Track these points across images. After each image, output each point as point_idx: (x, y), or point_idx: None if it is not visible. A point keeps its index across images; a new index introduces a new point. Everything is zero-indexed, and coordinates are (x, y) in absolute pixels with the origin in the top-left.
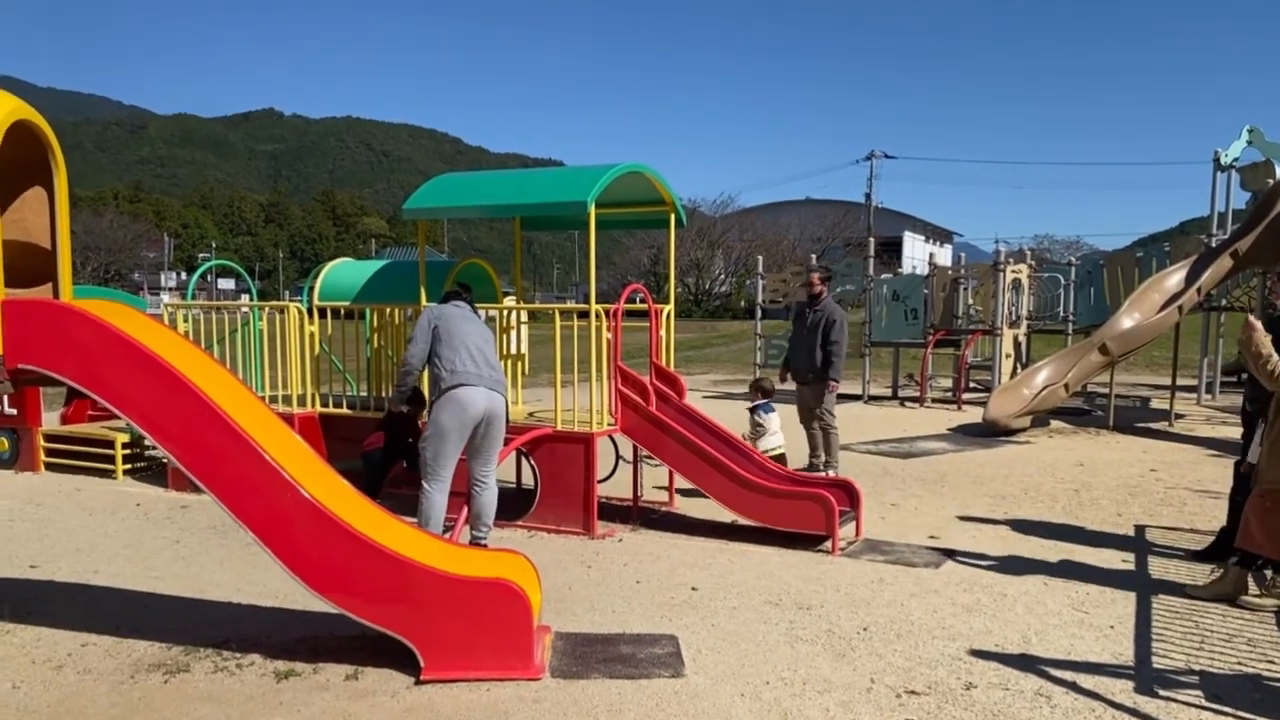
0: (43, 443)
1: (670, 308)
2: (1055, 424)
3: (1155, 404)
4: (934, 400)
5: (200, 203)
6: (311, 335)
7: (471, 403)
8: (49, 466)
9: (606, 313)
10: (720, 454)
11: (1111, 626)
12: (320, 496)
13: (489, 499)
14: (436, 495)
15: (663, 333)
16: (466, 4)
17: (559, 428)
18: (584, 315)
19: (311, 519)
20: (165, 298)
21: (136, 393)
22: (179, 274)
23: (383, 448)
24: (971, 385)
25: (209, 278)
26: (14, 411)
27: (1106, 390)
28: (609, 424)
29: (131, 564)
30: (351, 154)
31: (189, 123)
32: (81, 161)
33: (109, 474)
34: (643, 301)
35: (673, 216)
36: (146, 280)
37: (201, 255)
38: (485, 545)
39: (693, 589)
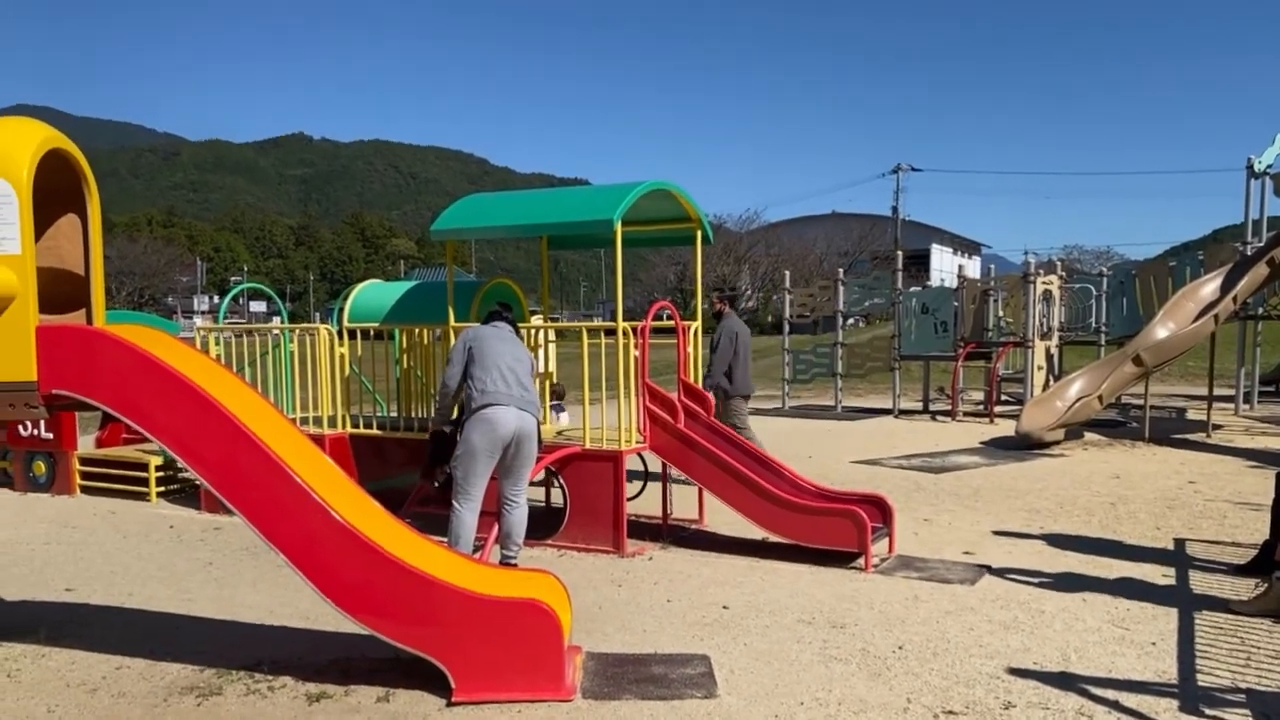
0: (78, 466)
1: (697, 324)
2: (1090, 436)
3: (1192, 415)
4: (966, 414)
5: (232, 227)
6: (341, 357)
7: (501, 422)
8: (84, 489)
9: (634, 330)
10: (750, 471)
11: (1153, 643)
12: (350, 518)
13: (519, 518)
14: (466, 515)
15: (690, 349)
16: (492, 27)
17: (587, 446)
18: (611, 333)
19: (342, 540)
20: (198, 320)
21: (168, 417)
22: (211, 297)
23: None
24: (1004, 398)
25: (241, 300)
26: (50, 435)
27: (1141, 401)
28: (638, 442)
29: (165, 586)
30: (380, 176)
31: (220, 148)
32: (116, 188)
33: (143, 496)
34: (670, 318)
35: (699, 233)
36: (180, 304)
37: (234, 278)
38: (515, 565)
39: (724, 608)
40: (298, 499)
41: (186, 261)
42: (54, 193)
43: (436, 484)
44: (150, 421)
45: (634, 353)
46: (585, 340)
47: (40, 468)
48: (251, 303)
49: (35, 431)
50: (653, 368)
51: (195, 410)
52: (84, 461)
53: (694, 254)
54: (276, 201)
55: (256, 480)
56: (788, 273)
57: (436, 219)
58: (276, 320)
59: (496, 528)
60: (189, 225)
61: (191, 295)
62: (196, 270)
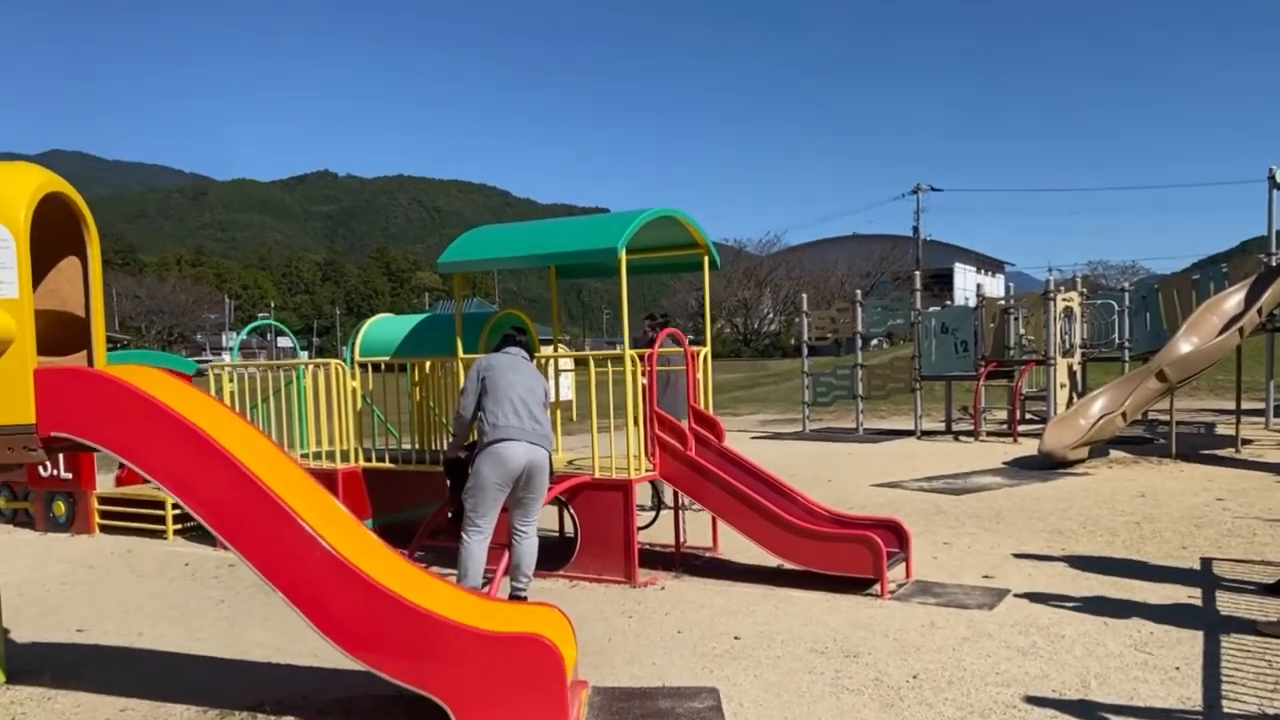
0: (97, 505)
1: (706, 350)
2: (1115, 454)
3: (1220, 429)
4: (989, 433)
5: (259, 264)
6: (354, 391)
7: (511, 457)
8: (103, 528)
9: (641, 357)
10: (762, 497)
11: (1177, 668)
12: (349, 554)
13: (528, 549)
14: (476, 547)
15: (700, 375)
16: (511, 60)
17: (597, 475)
18: (619, 360)
19: (341, 577)
20: (227, 357)
21: (166, 457)
22: (239, 334)
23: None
24: (1028, 416)
25: (268, 336)
26: (70, 475)
27: (1168, 417)
28: (647, 470)
29: (176, 625)
30: (404, 211)
31: (247, 187)
32: (146, 229)
33: (160, 534)
34: (677, 344)
35: (706, 259)
36: (208, 341)
37: (261, 315)
38: (525, 597)
39: (735, 638)
40: (296, 537)
41: (215, 299)
42: (54, 236)
43: (450, 514)
44: (148, 462)
45: (641, 380)
46: (593, 368)
47: (60, 508)
48: (280, 339)
49: (55, 471)
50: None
51: (193, 450)
52: (103, 501)
53: (703, 279)
54: (303, 238)
55: (254, 519)
56: (805, 295)
57: (443, 252)
58: (304, 355)
59: (505, 559)
60: (217, 264)
61: (220, 332)
62: (225, 308)
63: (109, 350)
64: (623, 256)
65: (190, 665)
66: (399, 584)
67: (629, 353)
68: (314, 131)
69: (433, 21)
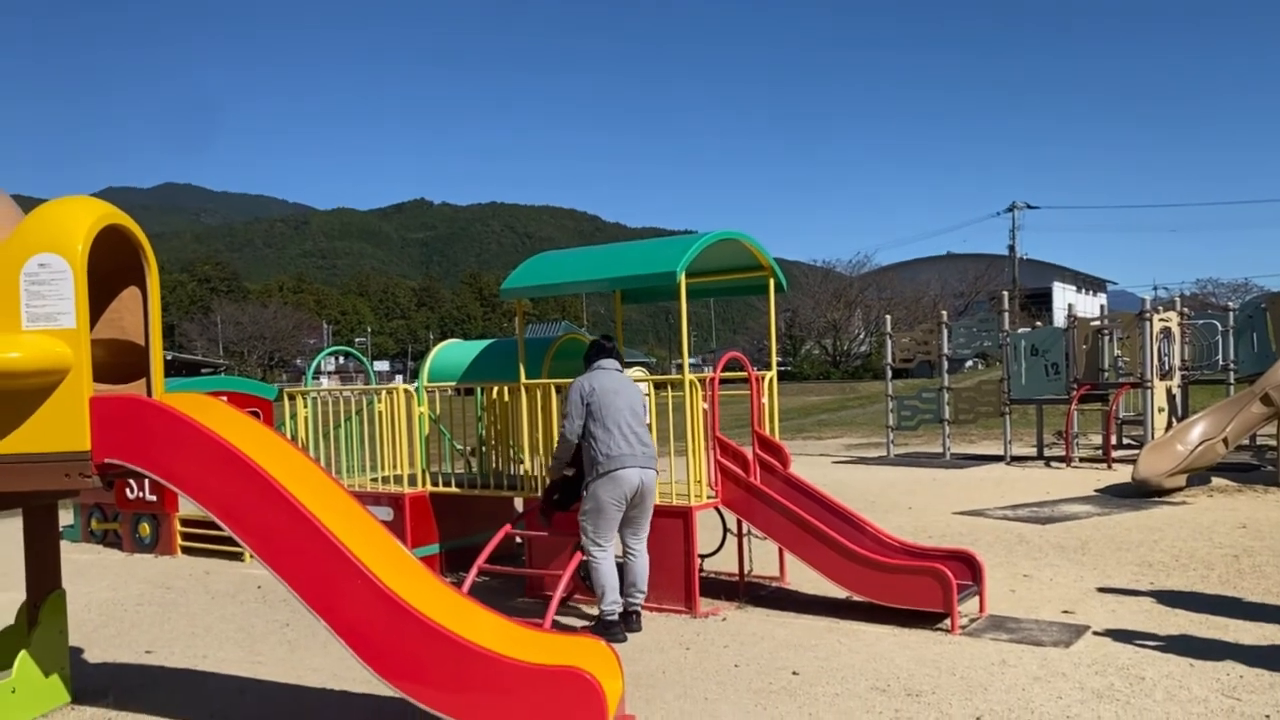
0: (179, 527)
1: (771, 374)
2: (1217, 481)
3: None
4: (1083, 459)
5: (357, 290)
6: (421, 416)
7: (627, 481)
8: (185, 550)
9: (702, 382)
10: (828, 526)
11: (1267, 716)
12: (393, 584)
13: (641, 566)
14: (603, 564)
15: (764, 400)
16: (602, 87)
17: (657, 502)
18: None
19: (382, 607)
20: (325, 381)
21: (214, 485)
22: (337, 359)
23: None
24: (1125, 441)
25: (365, 361)
26: (154, 498)
27: (1276, 442)
28: (709, 497)
29: (240, 648)
30: (497, 237)
31: (347, 216)
32: (251, 257)
33: (238, 556)
34: (742, 369)
35: (771, 281)
36: (307, 365)
37: (358, 340)
38: (639, 611)
39: (794, 673)
40: (340, 566)
41: (314, 324)
42: (116, 267)
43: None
44: (196, 489)
45: (702, 405)
46: (653, 394)
47: (145, 529)
48: (376, 363)
49: (141, 494)
50: (736, 420)
51: (239, 478)
52: (184, 523)
53: (769, 302)
54: (399, 265)
55: (298, 547)
56: (889, 317)
57: (507, 278)
58: (398, 379)
59: (559, 586)
60: (317, 290)
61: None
62: (323, 333)
63: (209, 374)
64: (682, 280)
65: (247, 689)
66: (442, 614)
67: (689, 377)
68: (411, 162)
69: (524, 50)
